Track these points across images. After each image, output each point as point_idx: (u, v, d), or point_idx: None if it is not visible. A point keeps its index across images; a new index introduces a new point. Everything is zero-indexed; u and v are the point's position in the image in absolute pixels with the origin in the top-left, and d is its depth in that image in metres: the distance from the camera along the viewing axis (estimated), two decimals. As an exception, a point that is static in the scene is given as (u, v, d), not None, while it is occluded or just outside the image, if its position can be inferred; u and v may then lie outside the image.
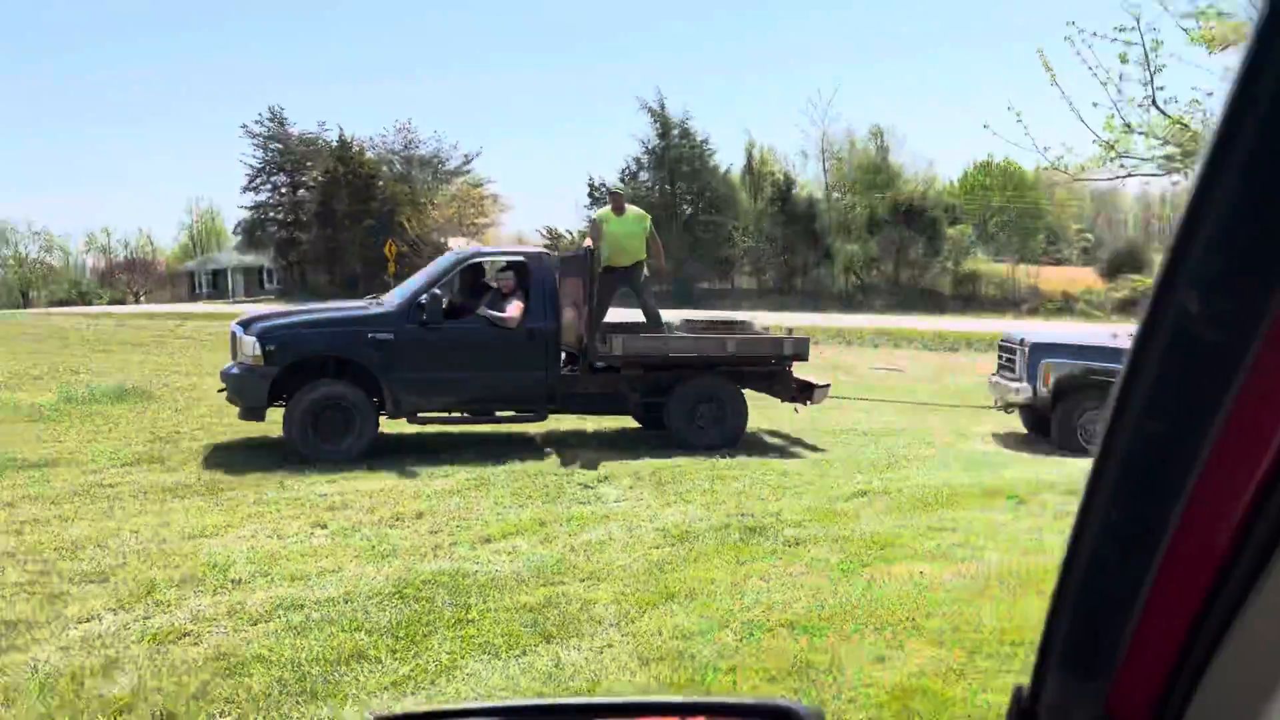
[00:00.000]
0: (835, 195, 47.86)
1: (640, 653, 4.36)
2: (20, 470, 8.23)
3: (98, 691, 3.85)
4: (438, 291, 9.03)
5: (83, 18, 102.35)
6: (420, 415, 9.23)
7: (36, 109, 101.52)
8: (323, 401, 8.71)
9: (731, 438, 9.64)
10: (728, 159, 63.92)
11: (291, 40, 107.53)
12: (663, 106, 49.48)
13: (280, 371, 8.69)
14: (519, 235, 62.94)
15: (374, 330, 8.89)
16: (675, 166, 49.30)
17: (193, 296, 62.60)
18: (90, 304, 52.82)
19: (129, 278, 65.18)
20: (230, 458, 8.90)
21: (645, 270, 10.31)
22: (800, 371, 10.33)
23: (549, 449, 9.59)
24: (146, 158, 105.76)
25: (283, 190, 58.69)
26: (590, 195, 53.06)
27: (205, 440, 9.75)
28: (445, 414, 9.44)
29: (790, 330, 11.06)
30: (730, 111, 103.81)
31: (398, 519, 6.79)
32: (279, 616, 4.74)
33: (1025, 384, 10.53)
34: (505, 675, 4.11)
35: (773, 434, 10.70)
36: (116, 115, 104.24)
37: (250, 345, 8.72)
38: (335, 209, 52.75)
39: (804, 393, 10.16)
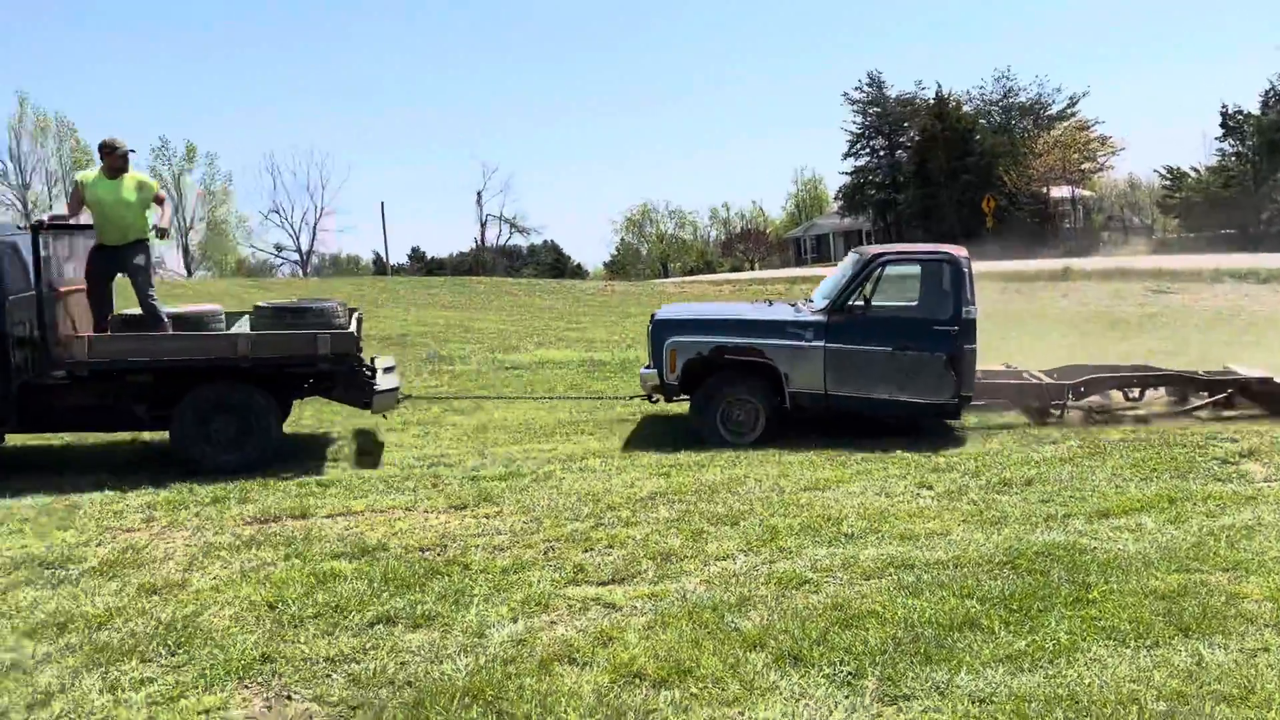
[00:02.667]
0: None
1: (1308, 664, 3.71)
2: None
3: (733, 624, 4.28)
4: None
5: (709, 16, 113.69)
6: None
7: (671, 105, 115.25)
8: None
9: (258, 457, 7.65)
10: None
11: (889, 2, 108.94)
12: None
13: None
14: (1131, 178, 57.35)
15: None
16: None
17: (799, 261, 66.95)
18: (715, 272, 59.00)
19: (744, 246, 71.60)
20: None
21: (147, 252, 8.08)
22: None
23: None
24: (758, 131, 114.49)
25: (881, 153, 60.16)
26: (1223, 126, 46.47)
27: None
28: None
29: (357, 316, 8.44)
30: None
31: (1005, 485, 6.58)
32: (890, 574, 4.86)
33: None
34: (1135, 666, 3.76)
35: None
36: (730, 97, 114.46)
37: None
38: (931, 167, 52.63)
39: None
